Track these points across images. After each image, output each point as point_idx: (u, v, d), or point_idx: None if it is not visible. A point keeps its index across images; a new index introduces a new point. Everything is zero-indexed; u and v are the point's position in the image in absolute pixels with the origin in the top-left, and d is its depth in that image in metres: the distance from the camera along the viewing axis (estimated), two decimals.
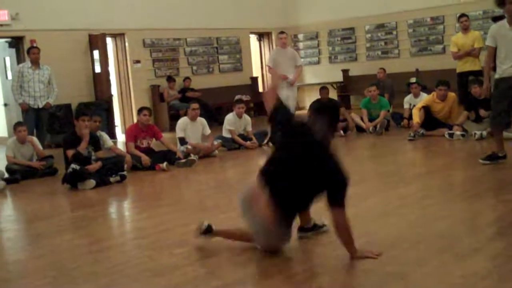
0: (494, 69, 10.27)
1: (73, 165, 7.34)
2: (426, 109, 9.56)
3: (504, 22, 6.39)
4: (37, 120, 10.06)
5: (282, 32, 10.92)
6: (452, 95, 9.66)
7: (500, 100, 6.46)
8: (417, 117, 9.54)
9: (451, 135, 9.03)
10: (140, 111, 8.84)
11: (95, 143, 7.90)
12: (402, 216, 4.94)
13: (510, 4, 6.13)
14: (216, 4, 15.87)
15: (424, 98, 10.12)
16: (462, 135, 8.94)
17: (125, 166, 8.15)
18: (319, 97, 10.96)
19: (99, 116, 8.65)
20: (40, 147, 8.73)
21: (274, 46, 17.91)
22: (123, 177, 7.64)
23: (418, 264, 3.65)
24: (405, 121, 10.60)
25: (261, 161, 9.08)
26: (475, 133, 8.73)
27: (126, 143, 8.77)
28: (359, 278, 3.49)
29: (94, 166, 7.59)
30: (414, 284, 3.36)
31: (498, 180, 6.16)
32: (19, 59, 12.43)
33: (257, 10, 17.00)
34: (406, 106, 10.79)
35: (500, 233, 4.23)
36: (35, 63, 10.08)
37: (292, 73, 10.26)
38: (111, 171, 7.68)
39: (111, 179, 7.54)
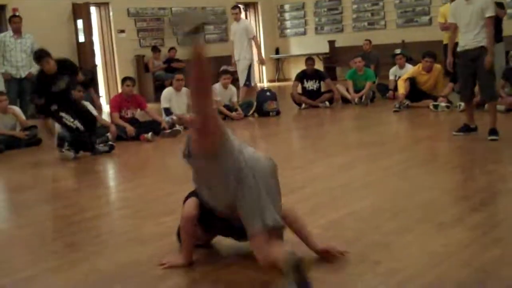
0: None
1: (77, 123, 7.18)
2: (412, 81, 9.58)
3: None
4: (20, 90, 9.95)
5: (234, 7, 11.31)
6: (437, 66, 9.67)
7: (464, 73, 6.64)
8: (402, 88, 9.56)
9: (436, 106, 9.06)
10: (123, 81, 8.80)
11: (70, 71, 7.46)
12: (385, 186, 4.97)
13: None
14: None
15: (410, 69, 10.13)
16: (447, 107, 8.98)
17: (110, 136, 8.13)
18: (304, 68, 10.93)
19: (79, 86, 8.54)
20: (23, 116, 8.64)
21: (260, 17, 17.82)
22: (111, 147, 7.57)
23: (401, 233, 3.68)
24: (391, 92, 10.62)
25: (246, 131, 9.12)
26: (460, 105, 8.74)
27: (111, 114, 8.72)
28: (342, 248, 3.51)
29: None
30: (397, 253, 3.39)
31: (481, 151, 6.20)
32: (1, 29, 12.23)
33: None
34: (391, 77, 10.80)
35: (482, 203, 4.26)
36: (17, 32, 9.94)
37: (246, 45, 11.20)
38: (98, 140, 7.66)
39: (100, 148, 7.48)
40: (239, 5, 11.77)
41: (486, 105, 8.47)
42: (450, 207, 4.29)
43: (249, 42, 11.23)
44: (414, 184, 4.97)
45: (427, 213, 4.07)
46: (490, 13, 6.36)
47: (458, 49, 6.64)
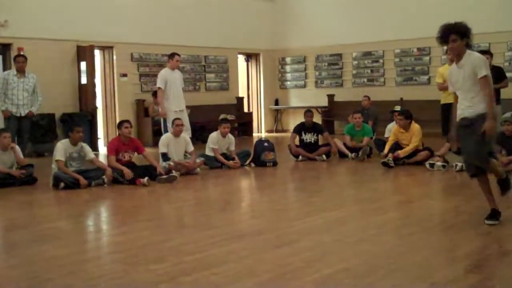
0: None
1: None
2: (394, 145, 9.78)
3: (454, 64, 5.76)
4: (19, 128, 9.99)
5: (178, 54, 10.81)
6: (416, 127, 9.84)
7: (466, 143, 5.66)
8: (387, 150, 9.77)
9: (432, 165, 9.09)
10: (121, 124, 8.82)
11: None
12: (380, 243, 4.95)
13: (453, 42, 5.48)
14: (206, 23, 15.96)
15: (392, 130, 10.19)
16: (443, 166, 9.01)
17: (106, 179, 8.16)
18: (303, 120, 11.02)
19: (81, 127, 8.55)
20: (21, 155, 8.64)
21: (261, 68, 18.07)
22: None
23: None
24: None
25: (242, 181, 9.12)
26: (456, 165, 8.80)
27: (108, 156, 8.72)
28: None
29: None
30: None
31: (477, 212, 6.19)
32: (5, 66, 12.36)
33: (247, 31, 17.12)
34: (387, 134, 10.88)
35: (477, 265, 4.25)
36: (21, 71, 10.04)
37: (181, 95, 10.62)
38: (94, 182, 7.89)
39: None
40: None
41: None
42: (444, 267, 4.27)
43: None
44: (409, 242, 4.96)
45: (421, 273, 4.05)
46: (482, 72, 5.47)
47: (457, 118, 5.79)
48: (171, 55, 10.68)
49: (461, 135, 5.70)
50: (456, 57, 5.63)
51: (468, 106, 5.57)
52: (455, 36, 5.45)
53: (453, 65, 5.78)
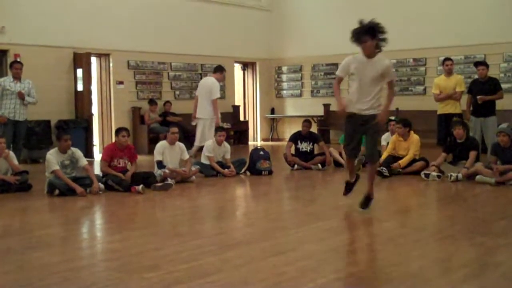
0: (473, 113, 10.49)
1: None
2: (390, 159, 9.78)
3: (362, 56, 6.31)
4: (14, 134, 9.98)
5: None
6: (415, 137, 9.86)
7: (353, 132, 6.61)
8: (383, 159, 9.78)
9: (427, 175, 9.11)
10: (118, 131, 8.80)
11: None
12: (375, 253, 4.95)
13: (364, 42, 6.11)
14: (202, 31, 15.99)
15: (391, 139, 10.19)
16: (438, 176, 9.02)
17: (101, 186, 8.19)
18: (298, 129, 11.03)
19: (68, 135, 8.45)
20: (16, 161, 8.60)
21: (258, 77, 18.09)
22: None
23: None
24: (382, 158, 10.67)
25: (237, 189, 9.11)
26: (450, 175, 8.82)
27: (101, 161, 8.72)
28: None
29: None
30: None
31: (471, 222, 6.21)
32: (1, 73, 12.35)
33: (243, 40, 17.16)
34: (383, 143, 10.87)
35: (472, 275, 4.25)
36: (17, 78, 10.05)
37: (208, 104, 10.69)
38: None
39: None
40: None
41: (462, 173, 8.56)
42: (439, 278, 4.26)
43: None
44: (404, 252, 4.95)
45: (416, 284, 4.04)
46: (393, 77, 6.38)
47: (352, 110, 6.47)
48: (221, 68, 11.00)
49: (351, 125, 6.47)
50: (367, 56, 6.22)
51: (367, 107, 6.28)
52: (367, 36, 6.04)
53: (361, 56, 6.29)
